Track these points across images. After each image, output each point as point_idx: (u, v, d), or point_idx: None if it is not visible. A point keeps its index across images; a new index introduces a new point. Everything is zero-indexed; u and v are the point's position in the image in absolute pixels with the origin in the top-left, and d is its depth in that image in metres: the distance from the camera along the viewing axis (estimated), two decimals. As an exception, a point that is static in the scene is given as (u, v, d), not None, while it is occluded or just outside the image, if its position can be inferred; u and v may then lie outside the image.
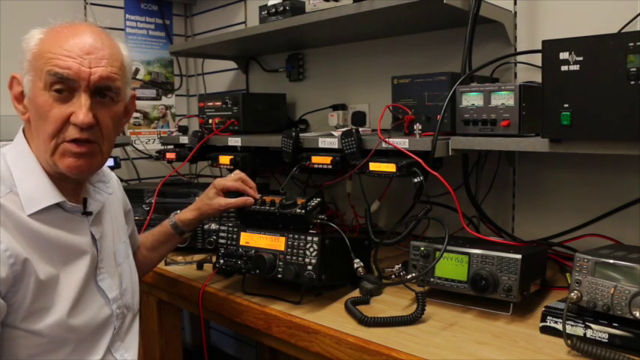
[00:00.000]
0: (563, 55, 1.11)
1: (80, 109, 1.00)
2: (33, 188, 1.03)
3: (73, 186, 1.11)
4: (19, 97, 1.07)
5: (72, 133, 1.02)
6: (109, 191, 1.22)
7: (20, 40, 1.05)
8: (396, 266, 1.46)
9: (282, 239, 1.35)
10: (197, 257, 1.75)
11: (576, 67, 1.10)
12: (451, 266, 1.26)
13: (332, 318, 1.24)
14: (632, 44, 1.03)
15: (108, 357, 1.14)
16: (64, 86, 1.00)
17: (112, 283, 1.16)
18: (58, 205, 1.06)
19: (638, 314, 0.98)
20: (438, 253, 1.28)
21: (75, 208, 1.09)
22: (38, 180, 1.05)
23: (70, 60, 1.00)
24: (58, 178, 1.07)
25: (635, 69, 1.03)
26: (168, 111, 2.90)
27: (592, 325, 1.04)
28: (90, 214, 1.13)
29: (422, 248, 1.32)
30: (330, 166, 1.63)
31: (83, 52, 1.01)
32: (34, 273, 0.99)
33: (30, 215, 1.01)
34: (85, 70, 1.00)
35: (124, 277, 1.22)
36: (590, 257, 1.06)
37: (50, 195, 1.04)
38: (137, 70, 2.75)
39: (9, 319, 0.98)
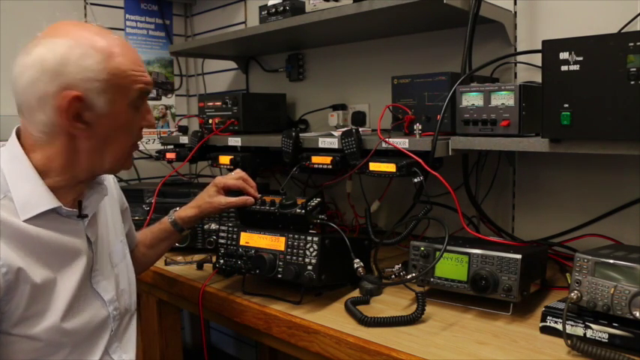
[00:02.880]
0: (563, 55, 1.11)
1: (149, 113, 1.13)
2: (28, 193, 1.02)
3: (73, 192, 1.10)
4: (77, 116, 1.01)
5: (140, 135, 1.15)
6: (104, 192, 1.20)
7: (64, 56, 0.99)
8: (396, 266, 1.46)
9: (282, 239, 1.35)
10: (197, 257, 1.75)
11: (576, 67, 1.10)
12: (451, 266, 1.26)
13: (332, 318, 1.25)
14: (632, 44, 1.03)
15: (105, 358, 1.14)
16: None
17: (107, 285, 1.16)
18: (53, 209, 1.05)
19: (638, 314, 0.98)
20: (438, 253, 1.28)
21: (70, 212, 1.08)
22: (33, 185, 1.03)
23: (146, 74, 1.10)
24: (61, 186, 1.06)
25: (635, 69, 1.03)
26: (168, 111, 2.90)
27: (592, 325, 1.04)
28: (85, 216, 1.12)
29: (422, 248, 1.32)
30: (330, 166, 1.63)
31: (142, 64, 1.10)
32: (30, 280, 0.99)
33: (25, 220, 1.00)
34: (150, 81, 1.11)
35: (121, 278, 1.22)
36: (590, 257, 1.06)
37: (46, 200, 1.04)
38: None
39: (1, 326, 0.97)
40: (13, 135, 1.08)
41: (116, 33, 1.08)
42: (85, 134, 1.04)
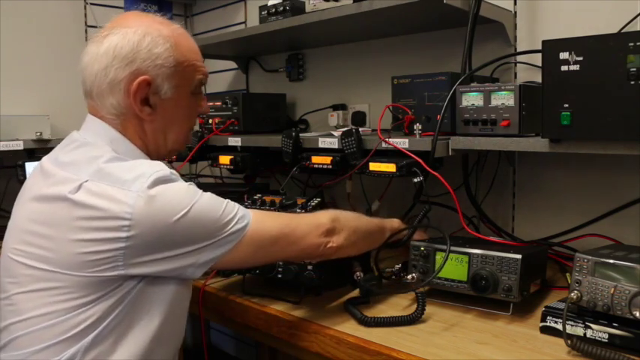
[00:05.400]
0: (563, 55, 1.11)
1: (204, 101, 1.24)
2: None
3: None
4: (145, 99, 1.10)
5: (195, 121, 1.26)
6: None
7: (128, 43, 1.07)
8: (396, 266, 1.46)
9: (282, 239, 1.34)
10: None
11: (576, 67, 1.10)
12: (451, 266, 1.26)
13: (332, 318, 1.24)
14: (632, 44, 1.03)
15: None
16: None
17: None
18: None
19: (638, 314, 0.98)
20: (438, 254, 1.28)
21: None
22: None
23: (204, 65, 1.20)
24: None
25: (635, 69, 1.03)
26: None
27: (592, 325, 1.04)
28: None
29: (422, 248, 1.32)
30: (330, 166, 1.63)
31: (201, 56, 1.21)
32: None
33: None
34: None
35: None
36: (590, 257, 1.06)
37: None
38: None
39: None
40: (99, 121, 1.11)
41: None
42: (150, 117, 1.11)
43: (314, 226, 1.15)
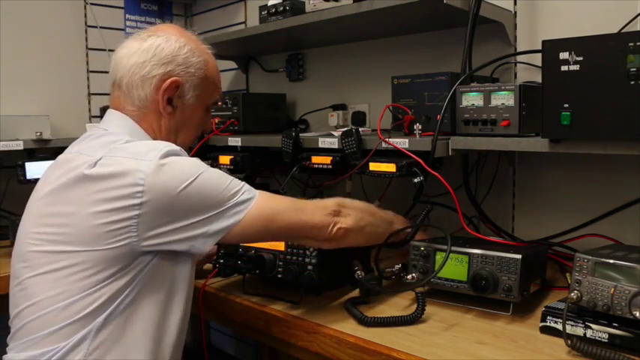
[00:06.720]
0: (563, 55, 1.11)
1: (210, 120, 1.37)
2: None
3: None
4: (169, 99, 1.19)
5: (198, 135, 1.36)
6: None
7: (161, 46, 1.17)
8: (396, 266, 1.46)
9: (282, 239, 1.35)
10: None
11: (576, 67, 1.10)
12: (451, 266, 1.26)
13: (332, 318, 1.24)
14: (632, 44, 1.03)
15: None
16: None
17: None
18: None
19: (638, 314, 0.98)
20: (438, 254, 1.28)
21: None
22: None
23: (221, 90, 1.33)
24: None
25: (635, 69, 1.03)
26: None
27: (592, 325, 1.04)
28: None
29: (422, 248, 1.31)
30: (330, 166, 1.63)
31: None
32: None
33: None
34: None
35: None
36: (590, 257, 1.06)
37: None
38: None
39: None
40: (119, 113, 1.18)
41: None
42: (169, 116, 1.20)
43: (321, 207, 1.20)
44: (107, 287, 1.01)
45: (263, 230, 1.12)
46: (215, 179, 1.08)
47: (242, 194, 1.09)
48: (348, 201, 1.28)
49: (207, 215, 1.05)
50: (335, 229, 1.19)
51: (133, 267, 1.03)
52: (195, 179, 1.04)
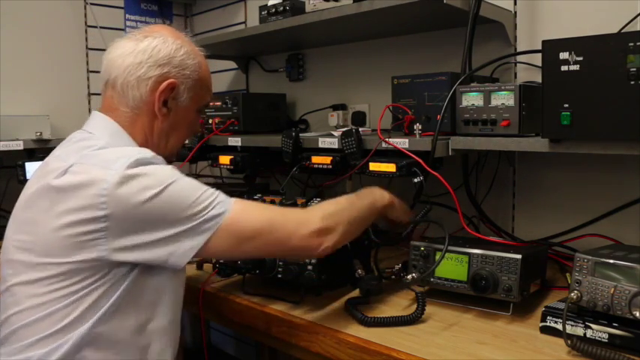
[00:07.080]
0: (563, 55, 1.11)
1: (200, 122, 1.37)
2: None
3: None
4: (164, 101, 1.18)
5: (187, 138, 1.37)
6: None
7: (152, 48, 1.16)
8: (396, 266, 1.46)
9: (282, 239, 1.34)
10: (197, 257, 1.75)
11: (576, 67, 1.10)
12: (451, 266, 1.26)
13: (332, 318, 1.24)
14: (632, 44, 1.03)
15: None
16: None
17: None
18: None
19: (638, 314, 0.98)
20: (438, 254, 1.28)
21: None
22: None
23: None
24: None
25: (635, 69, 1.03)
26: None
27: (592, 325, 1.04)
28: None
29: (422, 248, 1.32)
30: (330, 166, 1.63)
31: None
32: None
33: None
34: None
35: None
36: (590, 257, 1.06)
37: None
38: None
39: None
40: (102, 115, 1.17)
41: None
42: (163, 117, 1.19)
43: (303, 223, 1.11)
44: (86, 298, 1.01)
45: (234, 250, 1.07)
46: (184, 191, 1.03)
47: (211, 209, 1.03)
48: (332, 208, 1.18)
49: (174, 232, 1.01)
50: (321, 249, 1.12)
51: (109, 278, 1.02)
52: (161, 191, 1.00)
